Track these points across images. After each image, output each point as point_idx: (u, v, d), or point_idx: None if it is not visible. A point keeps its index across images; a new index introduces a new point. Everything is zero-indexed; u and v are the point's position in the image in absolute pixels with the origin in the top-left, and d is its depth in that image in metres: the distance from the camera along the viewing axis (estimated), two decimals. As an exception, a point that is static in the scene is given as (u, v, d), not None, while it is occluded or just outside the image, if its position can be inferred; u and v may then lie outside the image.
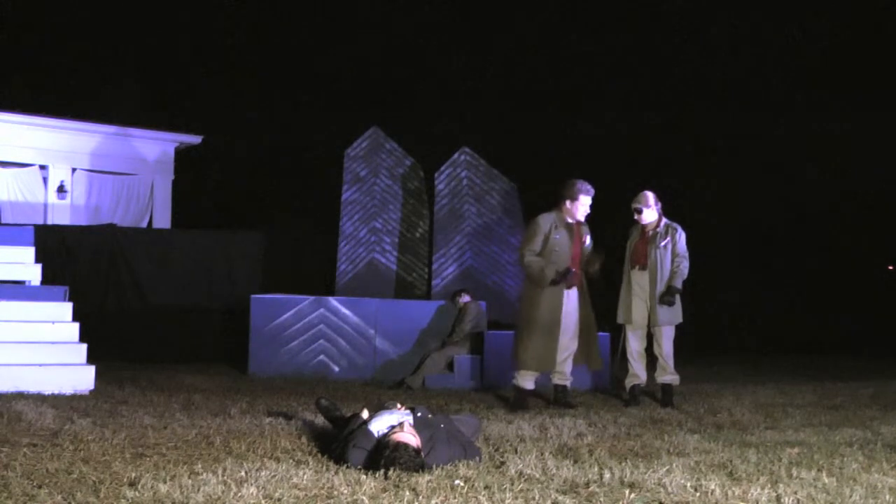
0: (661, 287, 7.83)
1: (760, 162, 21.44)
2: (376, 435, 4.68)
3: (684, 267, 7.89)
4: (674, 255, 7.87)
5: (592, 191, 7.60)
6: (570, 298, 7.64)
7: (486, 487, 4.11)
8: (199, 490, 3.95)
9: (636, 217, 7.97)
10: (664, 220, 7.98)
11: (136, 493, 3.90)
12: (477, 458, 4.78)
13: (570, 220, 7.60)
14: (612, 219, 9.29)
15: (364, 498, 3.90)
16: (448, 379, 9.44)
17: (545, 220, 7.57)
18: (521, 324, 7.68)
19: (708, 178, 20.77)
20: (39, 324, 8.52)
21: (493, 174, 13.09)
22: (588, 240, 7.73)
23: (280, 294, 10.86)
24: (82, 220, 15.66)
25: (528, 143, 20.94)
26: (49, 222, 15.02)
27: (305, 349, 10.27)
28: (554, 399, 7.76)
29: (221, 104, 21.44)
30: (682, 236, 7.93)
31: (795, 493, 4.11)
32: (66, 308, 8.83)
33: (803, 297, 20.33)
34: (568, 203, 7.58)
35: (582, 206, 7.57)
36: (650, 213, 7.93)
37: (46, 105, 16.57)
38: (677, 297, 7.88)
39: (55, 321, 8.61)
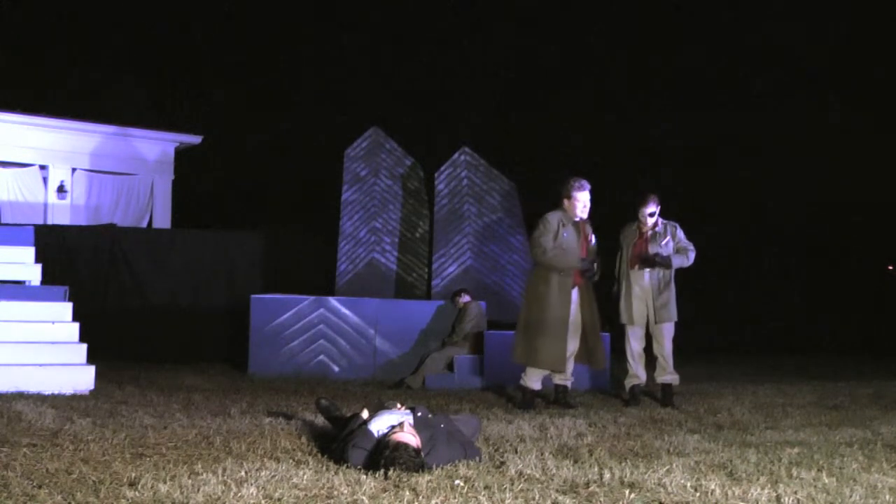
0: (662, 286, 7.84)
1: (761, 161, 21.44)
2: (376, 435, 4.68)
3: (692, 254, 7.90)
4: (679, 249, 7.89)
5: (587, 186, 7.60)
6: (573, 298, 7.66)
7: (486, 487, 4.11)
8: (199, 490, 3.95)
9: (651, 220, 7.94)
10: (660, 219, 8.01)
11: (136, 493, 3.90)
12: (477, 458, 4.78)
13: (575, 219, 7.62)
14: (615, 218, 9.30)
15: (364, 498, 3.90)
16: (448, 379, 9.43)
17: (554, 217, 7.59)
18: (528, 323, 7.65)
19: (709, 178, 20.77)
20: (39, 324, 8.51)
21: (493, 174, 13.08)
22: (593, 239, 7.76)
23: (280, 294, 10.86)
24: (82, 220, 15.66)
25: (528, 143, 20.93)
26: (49, 222, 15.01)
27: (305, 349, 10.26)
28: (554, 399, 7.77)
29: (221, 104, 21.44)
30: (680, 230, 7.97)
31: (795, 493, 4.11)
32: (66, 308, 8.83)
33: (803, 297, 20.33)
34: (566, 202, 7.60)
35: (579, 202, 7.57)
36: (652, 220, 7.98)
37: (46, 105, 16.57)
38: (673, 295, 7.88)
39: (55, 321, 8.61)
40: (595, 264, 7.72)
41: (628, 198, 8.25)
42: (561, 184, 7.67)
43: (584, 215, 7.65)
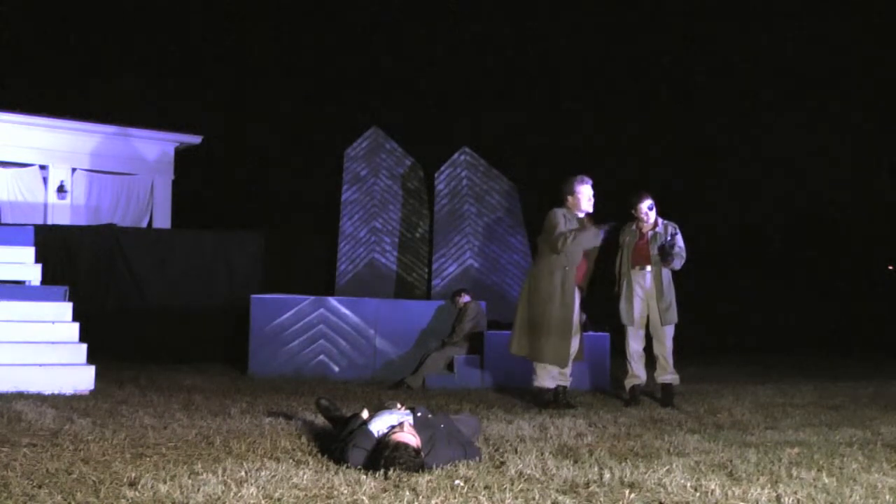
0: (664, 287, 7.85)
1: (761, 162, 21.45)
2: (376, 435, 4.68)
3: (680, 261, 7.90)
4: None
5: (588, 180, 7.66)
6: (575, 298, 7.66)
7: (486, 487, 4.11)
8: (199, 490, 3.95)
9: (652, 213, 7.94)
10: (660, 219, 8.01)
11: (136, 493, 3.90)
12: (477, 458, 4.78)
13: (579, 215, 7.65)
14: (614, 218, 9.29)
15: (364, 498, 3.90)
16: (448, 379, 9.44)
17: (559, 211, 7.62)
18: (531, 320, 7.62)
19: (709, 179, 20.77)
20: (39, 324, 8.51)
21: (493, 174, 13.09)
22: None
23: (280, 294, 10.86)
24: (82, 220, 15.66)
25: (528, 143, 20.94)
26: (49, 222, 15.01)
27: (305, 349, 10.26)
28: (554, 399, 7.76)
29: (221, 104, 21.44)
30: (679, 235, 7.97)
31: (795, 493, 4.11)
32: (66, 308, 8.82)
33: (803, 297, 20.33)
34: (569, 199, 7.64)
35: (583, 195, 7.61)
36: (653, 213, 7.98)
37: (46, 105, 16.57)
38: (673, 299, 7.88)
39: (55, 321, 8.61)
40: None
41: (626, 196, 8.24)
42: (562, 183, 7.69)
43: (590, 209, 7.69)
